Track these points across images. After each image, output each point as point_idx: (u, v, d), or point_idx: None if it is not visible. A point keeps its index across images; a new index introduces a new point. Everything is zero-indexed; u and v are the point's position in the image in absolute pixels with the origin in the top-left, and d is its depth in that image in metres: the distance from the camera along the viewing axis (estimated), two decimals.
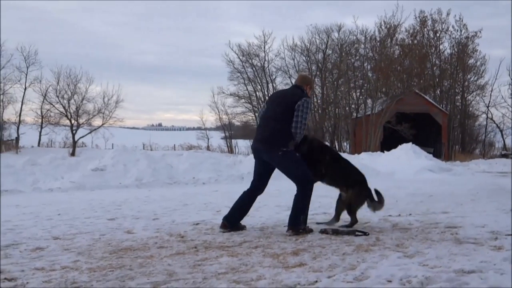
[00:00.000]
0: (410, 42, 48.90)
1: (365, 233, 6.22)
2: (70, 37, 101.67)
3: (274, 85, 51.73)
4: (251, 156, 19.99)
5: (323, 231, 6.40)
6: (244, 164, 17.46)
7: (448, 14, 50.29)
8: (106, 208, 9.22)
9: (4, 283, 4.36)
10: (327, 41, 50.16)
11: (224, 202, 9.60)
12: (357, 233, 6.23)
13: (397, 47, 48.38)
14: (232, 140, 56.85)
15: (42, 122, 50.40)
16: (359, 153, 28.12)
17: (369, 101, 46.42)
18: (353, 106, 48.66)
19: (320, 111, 50.59)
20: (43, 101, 50.17)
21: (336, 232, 6.30)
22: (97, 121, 49.92)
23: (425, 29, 50.54)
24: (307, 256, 5.04)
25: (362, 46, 48.23)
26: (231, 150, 54.02)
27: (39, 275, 4.58)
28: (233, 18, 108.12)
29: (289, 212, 8.21)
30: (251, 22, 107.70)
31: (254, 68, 51.57)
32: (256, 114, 52.00)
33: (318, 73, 50.65)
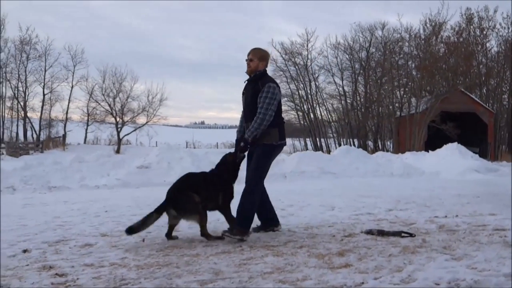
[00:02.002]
0: (456, 40, 47.97)
1: (411, 235, 6.16)
2: (116, 36, 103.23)
3: (317, 83, 51.57)
4: (294, 154, 20.02)
5: (368, 232, 6.36)
6: (287, 162, 17.46)
7: (495, 11, 49.20)
8: (152, 206, 9.25)
9: (55, 278, 4.48)
10: (371, 39, 49.77)
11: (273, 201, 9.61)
12: (403, 234, 6.17)
13: (442, 45, 47.52)
14: None
15: (88, 120, 51.45)
16: (403, 152, 27.78)
17: (413, 99, 45.74)
18: (396, 104, 48.02)
19: (363, 109, 50.19)
20: (89, 99, 51.28)
21: (381, 233, 6.25)
22: (141, 119, 50.72)
23: (471, 27, 49.54)
24: (353, 257, 5.02)
25: (406, 44, 47.55)
26: None
27: (88, 271, 4.68)
28: (276, 16, 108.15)
29: (333, 212, 8.23)
30: (294, 20, 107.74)
31: (296, 67, 51.41)
32: (299, 112, 52.00)
33: (361, 71, 50.27)
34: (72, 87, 51.76)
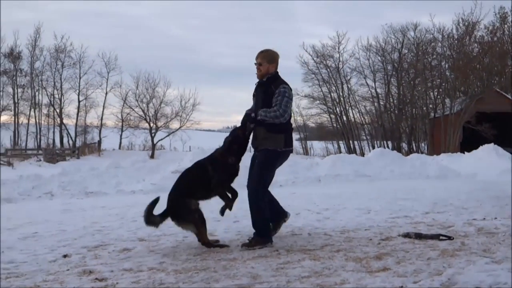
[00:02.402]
0: (490, 39, 47.28)
1: (449, 238, 6.08)
2: (148, 42, 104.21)
3: (349, 85, 51.39)
4: (328, 157, 19.94)
5: (405, 235, 6.30)
6: (321, 166, 17.38)
7: None
8: None
9: (95, 283, 4.55)
10: (403, 40, 49.46)
11: (303, 204, 9.61)
12: (441, 237, 6.10)
13: (476, 44, 46.92)
14: (307, 142, 56.78)
15: (122, 126, 52.06)
16: (438, 154, 27.45)
17: (447, 100, 45.25)
18: (430, 106, 47.57)
19: (396, 111, 49.76)
20: (123, 105, 51.88)
21: (419, 236, 6.19)
22: (174, 124, 51.06)
23: (505, 26, 48.75)
24: (391, 261, 4.99)
25: (439, 44, 47.10)
26: (306, 152, 53.94)
27: (127, 275, 4.74)
28: (307, 19, 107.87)
29: (369, 215, 8.19)
30: (325, 23, 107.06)
31: (328, 69, 51.33)
32: (332, 115, 51.79)
33: (394, 72, 49.89)
34: (106, 93, 52.49)
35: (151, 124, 50.39)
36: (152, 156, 42.98)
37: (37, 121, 52.15)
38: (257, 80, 6.27)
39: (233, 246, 5.99)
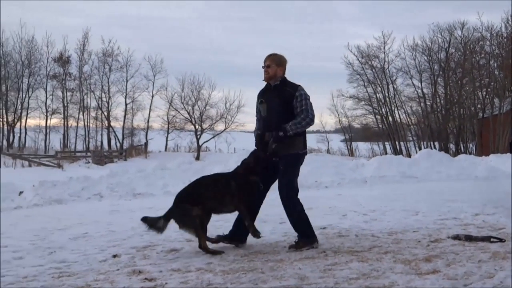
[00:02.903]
0: None
1: (500, 240, 5.95)
2: (192, 45, 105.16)
3: (395, 86, 50.76)
4: (374, 159, 19.75)
5: (455, 237, 6.20)
6: (366, 167, 17.22)
7: None
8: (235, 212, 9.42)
9: (144, 282, 4.62)
10: (450, 39, 48.55)
11: (349, 206, 9.55)
12: (492, 239, 5.97)
13: None
14: (352, 143, 56.40)
15: (168, 128, 52.67)
16: (486, 155, 26.87)
17: (496, 100, 44.30)
18: (478, 106, 46.58)
19: (443, 111, 48.94)
20: (169, 108, 52.50)
21: (469, 238, 6.07)
22: (219, 126, 51.36)
23: None
24: (441, 263, 4.91)
25: (488, 43, 46.17)
26: (351, 153, 53.57)
27: (176, 276, 4.80)
28: (351, 20, 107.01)
29: (417, 217, 8.08)
30: (370, 23, 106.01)
31: (373, 70, 50.82)
32: (377, 116, 51.27)
33: (440, 72, 49.05)
34: (152, 96, 53.28)
35: (197, 126, 50.90)
36: (197, 158, 43.35)
37: (86, 123, 53.38)
38: (264, 84, 6.19)
39: (280, 247, 6.00)
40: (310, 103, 5.94)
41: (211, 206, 5.94)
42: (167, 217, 5.96)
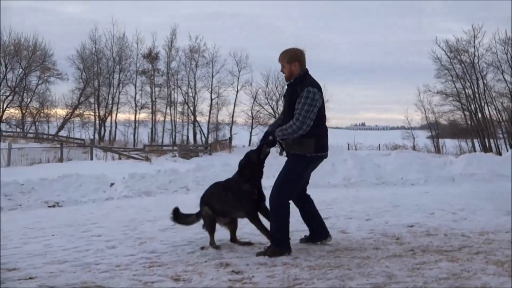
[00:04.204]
0: None
1: None
2: (276, 41, 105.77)
3: (485, 81, 48.91)
4: (462, 156, 19.15)
5: None
6: (455, 165, 16.72)
7: None
8: (318, 207, 9.30)
9: (232, 275, 4.70)
10: None
11: (436, 204, 9.31)
12: None
13: None
14: (439, 140, 54.91)
15: (252, 123, 53.12)
16: None
17: None
18: None
19: None
20: (253, 103, 52.90)
21: None
22: None
23: None
24: None
25: None
26: (438, 150, 52.14)
27: (262, 269, 4.85)
28: (439, 14, 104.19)
29: (509, 217, 7.76)
30: (458, 17, 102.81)
31: (463, 65, 49.17)
32: (466, 112, 49.64)
33: None
34: (237, 91, 54.01)
35: None
36: (280, 153, 43.44)
37: (172, 118, 54.77)
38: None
39: (366, 244, 5.94)
40: (307, 109, 5.43)
41: (220, 210, 6.04)
42: (198, 216, 6.29)
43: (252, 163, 5.85)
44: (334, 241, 6.08)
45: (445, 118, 55.16)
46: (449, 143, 54.04)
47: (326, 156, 5.82)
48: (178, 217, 6.29)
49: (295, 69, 5.69)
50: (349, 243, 6.04)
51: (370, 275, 4.49)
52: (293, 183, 5.69)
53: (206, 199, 6.15)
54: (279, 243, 5.50)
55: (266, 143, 5.75)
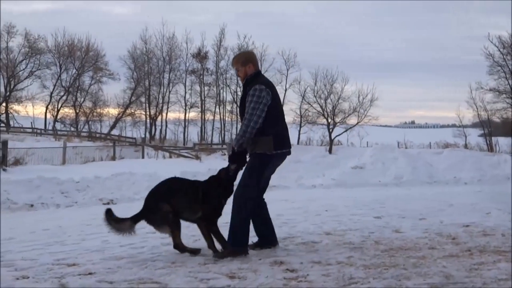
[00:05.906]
0: None
1: None
2: (322, 39, 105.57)
3: None
4: None
5: None
6: (510, 163, 16.37)
7: None
8: (370, 206, 9.35)
9: (286, 273, 4.71)
10: None
11: (492, 203, 9.12)
12: None
13: None
14: (492, 138, 53.65)
15: (301, 121, 53.00)
16: None
17: None
18: None
19: None
20: (301, 101, 52.74)
21: None
22: (352, 120, 50.86)
23: None
24: None
25: None
26: (491, 149, 50.97)
27: (317, 268, 4.85)
28: (491, 10, 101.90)
29: None
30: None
31: None
32: None
33: None
34: (285, 90, 53.74)
35: (329, 120, 50.72)
36: (330, 152, 43.24)
37: (222, 117, 55.07)
38: None
39: (421, 244, 5.86)
40: (254, 106, 5.39)
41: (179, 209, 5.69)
42: (135, 219, 5.70)
43: (221, 181, 5.74)
44: (388, 240, 6.05)
45: (498, 116, 53.87)
46: (502, 142, 52.70)
47: (289, 153, 5.78)
48: (112, 220, 5.64)
49: (250, 70, 5.69)
50: (404, 242, 5.97)
51: (427, 275, 4.44)
52: (256, 184, 5.63)
53: (166, 196, 5.70)
54: (236, 243, 5.49)
55: (229, 159, 5.74)
